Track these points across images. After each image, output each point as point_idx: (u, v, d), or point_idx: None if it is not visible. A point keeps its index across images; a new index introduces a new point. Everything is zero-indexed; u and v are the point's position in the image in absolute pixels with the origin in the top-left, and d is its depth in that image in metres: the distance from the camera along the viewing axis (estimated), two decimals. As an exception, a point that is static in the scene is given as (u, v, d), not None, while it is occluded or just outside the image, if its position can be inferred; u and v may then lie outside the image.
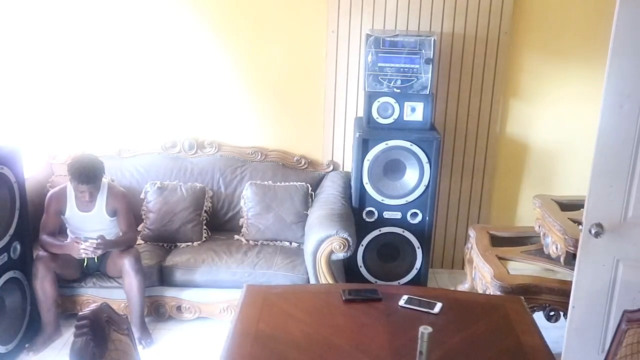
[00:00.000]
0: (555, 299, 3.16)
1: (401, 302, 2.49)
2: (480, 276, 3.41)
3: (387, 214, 3.84)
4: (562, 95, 4.15)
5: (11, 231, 3.24)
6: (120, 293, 3.50)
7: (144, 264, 3.52)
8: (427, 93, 3.72)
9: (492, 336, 2.33)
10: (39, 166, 4.09)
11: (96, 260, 3.54)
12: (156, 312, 3.67)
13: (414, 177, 3.76)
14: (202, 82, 4.17)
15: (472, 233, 3.79)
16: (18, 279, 3.33)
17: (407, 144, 3.70)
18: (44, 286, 3.36)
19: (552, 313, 3.19)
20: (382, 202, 3.81)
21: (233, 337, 2.25)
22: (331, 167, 4.28)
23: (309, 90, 4.19)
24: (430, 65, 3.66)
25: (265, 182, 4.06)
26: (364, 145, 3.72)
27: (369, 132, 3.74)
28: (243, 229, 3.98)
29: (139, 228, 3.88)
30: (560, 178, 4.26)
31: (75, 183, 3.37)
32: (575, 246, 2.85)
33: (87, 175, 3.34)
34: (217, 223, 4.12)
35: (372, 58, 3.68)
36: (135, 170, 4.12)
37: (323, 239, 3.43)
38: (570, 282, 2.84)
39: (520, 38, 4.08)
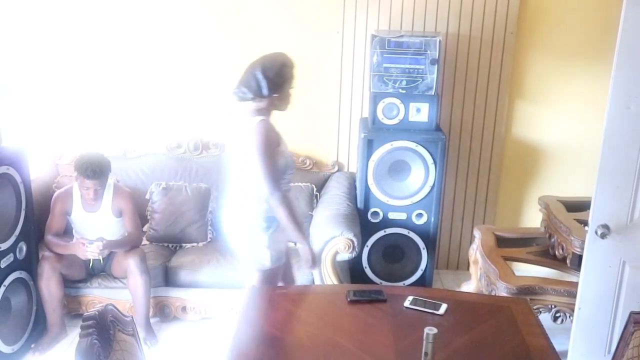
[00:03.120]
0: (561, 300, 3.15)
1: (406, 303, 2.48)
2: (486, 277, 3.40)
3: (392, 215, 3.83)
4: (568, 96, 4.14)
5: (17, 232, 3.25)
6: (126, 293, 3.51)
7: (149, 264, 3.52)
8: (433, 94, 3.71)
9: (497, 337, 2.32)
10: (45, 167, 4.10)
11: (101, 261, 3.55)
12: (161, 312, 3.67)
13: (419, 178, 3.75)
14: (207, 82, 4.17)
15: (477, 234, 3.78)
16: (24, 279, 3.34)
17: (412, 145, 3.70)
18: (49, 286, 3.37)
19: (558, 314, 3.18)
20: (387, 203, 3.81)
21: (238, 337, 2.25)
22: (336, 168, 4.27)
23: (313, 90, 4.18)
24: (436, 66, 3.66)
25: (270, 183, 4.06)
26: (369, 146, 3.72)
27: (374, 133, 3.73)
28: (248, 230, 3.97)
29: (144, 229, 3.89)
30: (566, 179, 4.24)
31: (81, 178, 3.37)
32: (582, 247, 2.84)
33: (93, 170, 3.34)
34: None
35: (377, 59, 3.68)
36: (140, 170, 4.13)
37: (328, 240, 3.43)
38: (576, 284, 2.83)
39: (526, 38, 4.06)
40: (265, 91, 2.74)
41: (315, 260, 2.93)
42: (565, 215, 3.38)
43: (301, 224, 2.87)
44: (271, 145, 2.74)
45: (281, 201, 2.73)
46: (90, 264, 3.55)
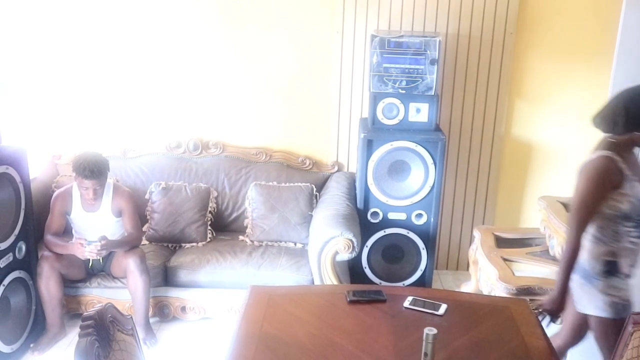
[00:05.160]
0: (560, 300, 3.14)
1: (406, 304, 2.48)
2: (485, 278, 3.40)
3: (391, 215, 3.83)
4: (567, 96, 4.14)
5: (16, 231, 3.25)
6: (125, 293, 3.51)
7: (148, 264, 3.52)
8: (432, 94, 3.71)
9: (497, 338, 2.32)
10: (44, 166, 4.10)
11: (101, 261, 3.55)
12: (161, 312, 3.67)
13: (418, 178, 3.75)
14: (206, 82, 4.17)
15: (477, 234, 3.78)
16: (23, 279, 3.34)
17: (412, 145, 3.70)
18: (48, 286, 3.37)
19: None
20: (387, 203, 3.80)
21: (237, 338, 2.25)
22: (336, 168, 4.27)
23: (313, 90, 4.19)
24: (436, 66, 3.66)
25: (270, 183, 4.06)
26: (369, 146, 3.72)
27: (374, 133, 3.73)
28: (248, 230, 3.98)
29: (144, 228, 3.88)
30: (565, 179, 4.22)
31: (80, 179, 3.36)
32: (581, 248, 2.83)
33: (91, 170, 3.33)
34: (221, 224, 4.12)
35: (377, 59, 3.67)
36: (140, 170, 4.13)
37: (328, 240, 3.42)
38: (575, 284, 2.83)
39: (525, 39, 4.06)
40: (619, 128, 2.38)
41: (551, 310, 2.53)
42: (564, 216, 3.38)
43: (567, 275, 2.48)
44: (602, 183, 2.38)
45: (570, 243, 2.43)
46: (90, 264, 3.55)
